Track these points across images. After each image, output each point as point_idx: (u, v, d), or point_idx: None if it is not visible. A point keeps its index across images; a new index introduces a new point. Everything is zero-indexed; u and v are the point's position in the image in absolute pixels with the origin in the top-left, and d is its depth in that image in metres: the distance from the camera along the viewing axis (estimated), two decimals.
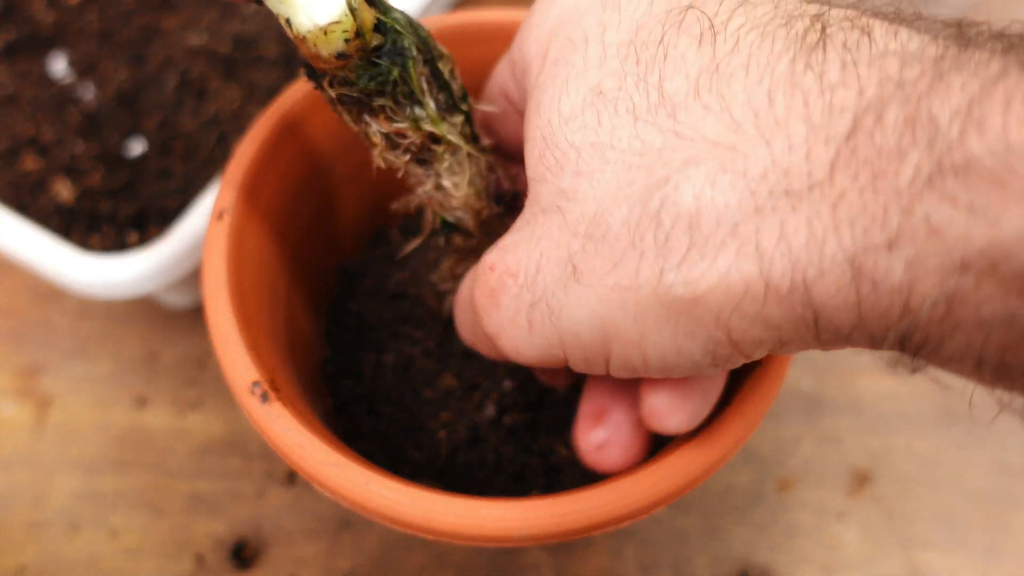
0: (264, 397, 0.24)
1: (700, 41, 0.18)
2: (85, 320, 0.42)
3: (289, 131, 0.30)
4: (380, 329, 0.34)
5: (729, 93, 0.17)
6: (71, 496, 0.37)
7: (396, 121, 0.23)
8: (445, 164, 0.25)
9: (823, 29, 0.17)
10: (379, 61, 0.22)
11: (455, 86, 0.24)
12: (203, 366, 0.40)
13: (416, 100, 0.23)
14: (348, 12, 0.21)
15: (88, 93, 0.42)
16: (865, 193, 0.15)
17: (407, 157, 0.24)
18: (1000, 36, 0.16)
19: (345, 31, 0.21)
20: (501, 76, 0.26)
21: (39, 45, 0.44)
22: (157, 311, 0.42)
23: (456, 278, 0.29)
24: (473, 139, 0.25)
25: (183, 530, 0.36)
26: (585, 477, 0.30)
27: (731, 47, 0.18)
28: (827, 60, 0.17)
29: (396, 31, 0.22)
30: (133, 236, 0.38)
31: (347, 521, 0.36)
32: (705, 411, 0.23)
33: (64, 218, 0.38)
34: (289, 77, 0.42)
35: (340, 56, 0.21)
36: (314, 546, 0.36)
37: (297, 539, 0.36)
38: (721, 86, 0.18)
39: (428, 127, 0.24)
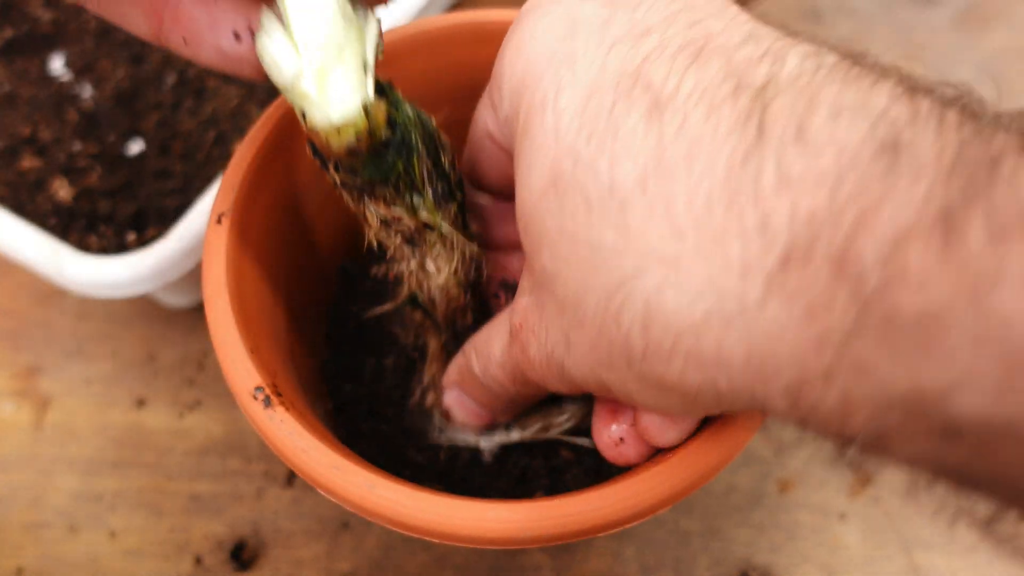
0: (267, 402, 0.24)
1: (648, 116, 0.18)
2: (84, 320, 0.42)
3: (287, 133, 0.29)
4: (381, 331, 0.34)
5: (673, 193, 0.17)
6: (70, 497, 0.37)
7: (394, 207, 0.24)
8: (435, 250, 0.25)
9: (764, 109, 0.17)
10: (386, 154, 0.23)
11: (453, 176, 0.25)
12: (202, 366, 0.40)
13: (416, 190, 0.24)
14: (363, 113, 0.21)
15: (86, 92, 0.42)
16: (799, 324, 0.16)
17: (399, 239, 0.25)
18: (942, 118, 0.15)
19: (358, 130, 0.21)
20: (483, 121, 0.25)
21: (37, 44, 0.44)
22: (156, 311, 0.42)
23: (415, 347, 0.31)
24: (464, 226, 0.26)
25: (182, 531, 0.36)
26: (588, 477, 0.30)
27: (678, 126, 0.17)
28: (764, 157, 0.16)
29: (405, 126, 0.23)
30: (131, 236, 0.37)
31: (346, 522, 0.36)
32: (695, 425, 0.24)
33: (62, 218, 0.38)
34: None
35: (350, 151, 0.22)
36: (313, 547, 0.36)
37: (296, 540, 0.36)
38: (665, 182, 0.17)
39: (424, 216, 0.24)
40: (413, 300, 0.27)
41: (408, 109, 0.23)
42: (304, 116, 0.22)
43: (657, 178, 0.17)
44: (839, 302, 0.15)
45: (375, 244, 0.26)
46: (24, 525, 0.37)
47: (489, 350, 0.25)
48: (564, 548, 0.36)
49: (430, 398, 0.30)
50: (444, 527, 0.22)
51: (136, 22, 0.24)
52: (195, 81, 0.42)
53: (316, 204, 0.33)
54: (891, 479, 0.37)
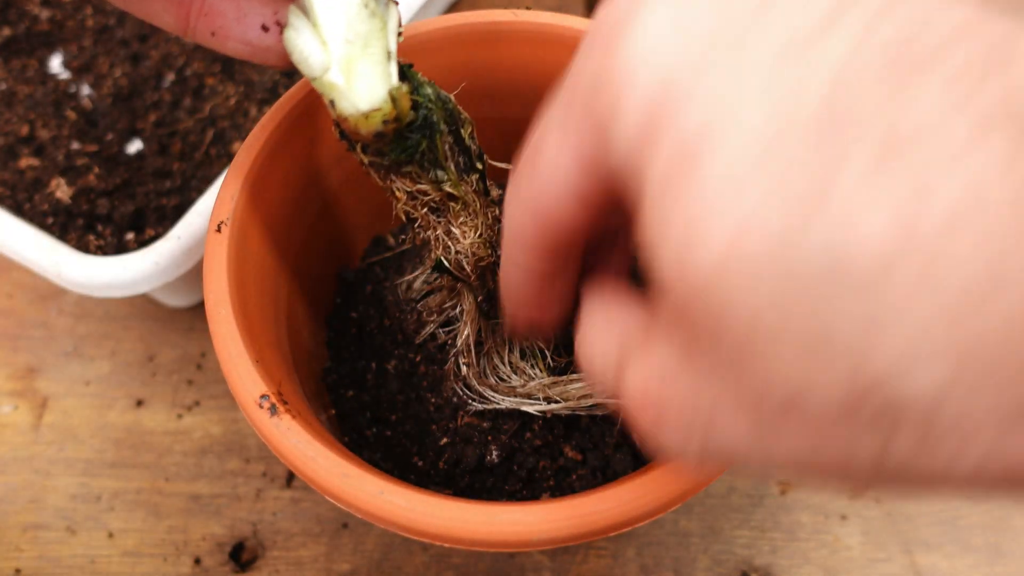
0: (273, 410, 0.24)
1: (878, 167, 0.13)
2: (82, 321, 0.42)
3: (285, 139, 0.29)
4: (381, 336, 0.33)
5: (941, 270, 0.13)
6: (68, 498, 0.37)
7: (420, 183, 0.25)
8: (459, 218, 0.26)
9: None
10: (410, 135, 0.24)
11: (473, 148, 0.26)
12: (201, 367, 0.40)
13: (439, 165, 0.25)
14: (389, 100, 0.23)
15: (84, 91, 0.42)
16: None
17: (425, 210, 0.26)
18: None
19: (385, 115, 0.23)
20: (562, 171, 0.18)
21: (35, 43, 0.43)
22: (155, 311, 0.42)
23: (441, 312, 0.31)
24: (485, 193, 0.27)
25: (181, 532, 0.36)
26: (595, 477, 0.30)
27: (924, 180, 0.13)
28: None
29: (427, 107, 0.24)
30: (130, 236, 0.37)
31: (346, 523, 0.36)
32: None
33: (61, 218, 0.37)
34: (287, 75, 0.42)
35: (377, 135, 0.23)
36: (313, 548, 0.36)
37: (295, 541, 0.36)
38: (928, 260, 0.13)
39: (448, 188, 0.26)
40: (439, 266, 0.28)
41: (429, 90, 0.24)
42: (333, 104, 0.23)
43: (915, 254, 0.13)
44: None
45: (403, 216, 0.27)
46: (22, 526, 0.36)
47: (605, 372, 0.20)
48: (564, 548, 0.35)
49: (464, 367, 0.30)
50: (454, 531, 0.22)
51: (162, 16, 0.24)
52: (193, 80, 0.42)
53: (314, 211, 0.33)
54: None
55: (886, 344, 0.13)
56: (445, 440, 0.31)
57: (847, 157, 0.13)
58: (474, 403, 0.30)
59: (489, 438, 0.30)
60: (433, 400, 0.31)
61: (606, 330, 0.20)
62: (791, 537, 0.36)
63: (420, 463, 0.31)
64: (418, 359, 0.32)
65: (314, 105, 0.30)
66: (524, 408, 0.30)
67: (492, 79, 0.32)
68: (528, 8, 0.32)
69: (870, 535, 0.36)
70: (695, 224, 0.15)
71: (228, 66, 0.42)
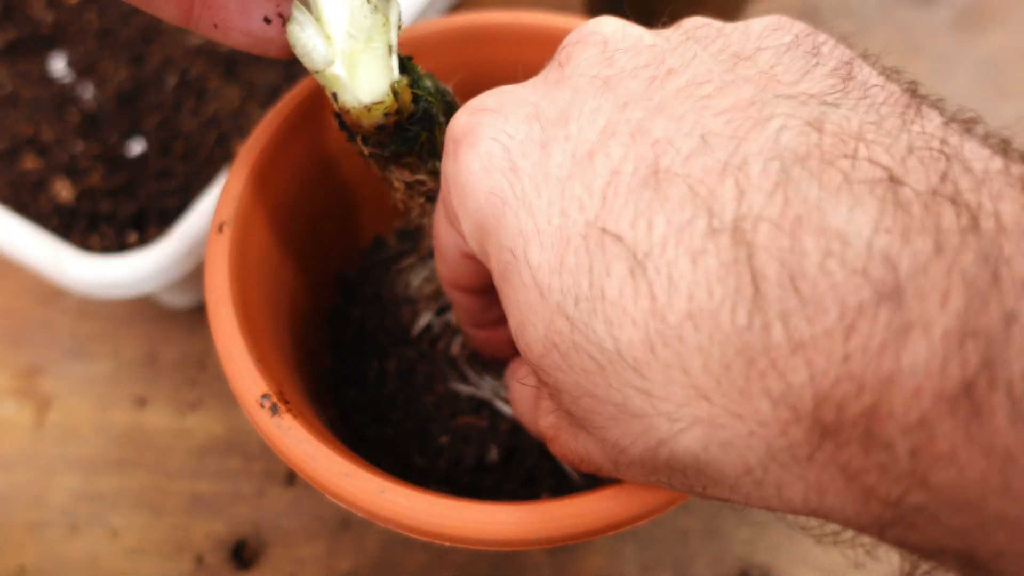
0: (274, 409, 0.24)
1: (633, 276, 0.16)
2: (85, 320, 0.42)
3: (286, 140, 0.29)
4: (382, 336, 0.34)
5: (686, 355, 0.16)
6: (71, 496, 0.37)
7: (418, 173, 0.26)
8: None
9: (749, 256, 0.15)
10: (410, 127, 0.24)
11: None
12: (203, 366, 0.40)
13: (438, 155, 0.26)
14: (391, 94, 0.23)
15: (87, 93, 0.42)
16: (844, 484, 0.15)
17: (422, 199, 0.27)
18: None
19: (387, 108, 0.23)
20: (451, 241, 0.23)
21: (39, 45, 0.44)
22: (157, 311, 0.42)
23: (437, 297, 0.33)
24: None
25: (183, 530, 0.36)
26: (595, 477, 0.30)
27: (666, 286, 0.16)
28: (768, 316, 0.15)
29: (427, 100, 0.25)
30: (133, 236, 0.37)
31: (347, 521, 0.36)
32: None
33: (64, 218, 0.38)
34: (288, 77, 0.42)
35: (379, 128, 0.24)
36: (314, 546, 0.36)
37: (297, 539, 0.36)
38: (676, 346, 0.16)
39: None
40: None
41: (428, 82, 0.25)
42: (335, 97, 0.23)
43: (666, 343, 0.16)
44: (873, 472, 0.14)
45: (400, 206, 0.27)
46: (25, 524, 0.37)
47: (526, 419, 0.26)
48: (564, 547, 0.36)
49: (456, 346, 0.32)
50: (454, 530, 0.22)
51: (165, 8, 0.25)
52: (196, 82, 0.42)
53: (315, 211, 0.33)
54: None
55: (661, 415, 0.17)
56: (445, 439, 0.31)
57: (611, 266, 0.17)
58: (458, 384, 0.31)
59: (488, 437, 0.31)
60: (432, 399, 0.32)
61: (521, 390, 0.26)
62: (790, 535, 0.36)
63: (420, 462, 0.31)
64: (416, 357, 0.33)
65: (315, 106, 0.30)
66: (496, 405, 0.31)
67: (489, 79, 0.32)
68: (528, 8, 0.32)
69: None
70: (522, 324, 0.19)
71: (231, 68, 0.43)
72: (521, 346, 0.20)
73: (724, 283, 0.15)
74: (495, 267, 0.20)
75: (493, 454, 0.30)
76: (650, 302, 0.16)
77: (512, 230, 0.19)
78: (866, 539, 0.17)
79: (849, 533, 0.17)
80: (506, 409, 0.31)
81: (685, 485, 0.18)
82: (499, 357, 0.30)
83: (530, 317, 0.18)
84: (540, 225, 0.18)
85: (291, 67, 0.43)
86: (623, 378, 0.17)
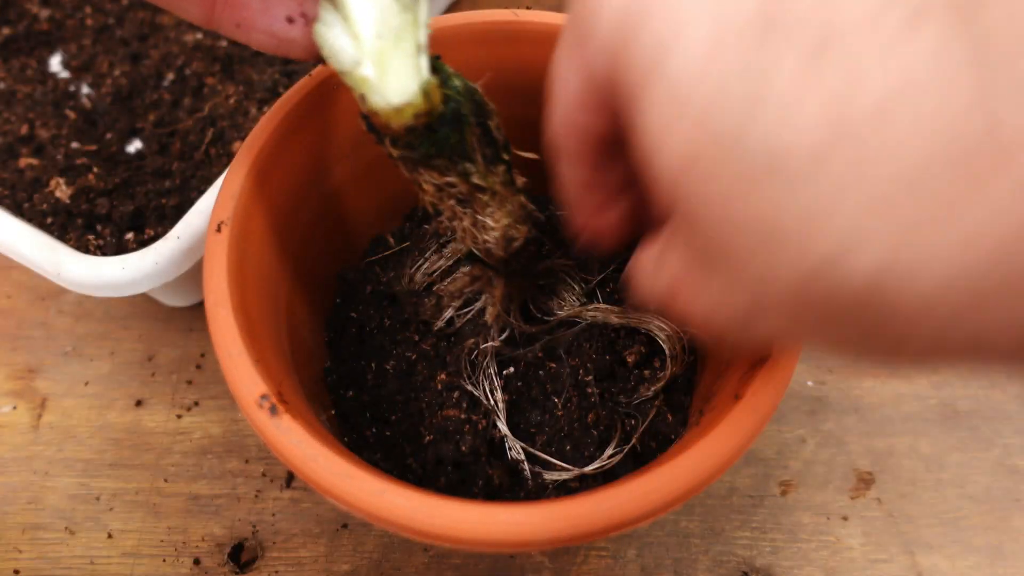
0: (273, 410, 0.23)
1: (811, 59, 0.14)
2: (82, 321, 0.41)
3: (286, 139, 0.29)
4: (381, 336, 0.33)
5: (868, 160, 0.14)
6: (67, 498, 0.37)
7: (448, 175, 0.25)
8: (487, 209, 0.27)
9: (980, 31, 0.13)
10: (440, 128, 0.24)
11: (500, 139, 0.26)
12: (200, 367, 0.40)
13: (468, 157, 0.25)
14: (421, 94, 0.23)
15: (84, 91, 0.42)
16: None
17: (452, 201, 0.26)
18: None
19: (416, 110, 0.23)
20: (570, 89, 0.21)
21: (35, 42, 0.43)
22: (154, 311, 0.41)
23: (461, 296, 0.32)
24: (511, 183, 0.27)
25: (180, 532, 0.36)
26: (595, 477, 0.30)
27: (854, 70, 0.13)
28: (996, 100, 0.12)
29: (456, 100, 0.24)
30: (130, 235, 0.37)
31: (345, 523, 0.36)
32: None
33: (61, 217, 0.37)
34: (286, 75, 0.42)
35: (408, 130, 0.23)
36: (312, 548, 0.36)
37: (295, 541, 0.36)
38: (855, 148, 0.14)
39: (476, 180, 0.25)
40: (470, 255, 0.29)
41: (457, 82, 0.24)
42: (363, 98, 0.23)
43: (843, 144, 0.13)
44: None
45: (430, 208, 0.27)
46: (21, 526, 0.36)
47: (645, 286, 0.23)
48: (564, 549, 0.35)
49: (489, 342, 0.32)
50: (454, 531, 0.22)
51: (187, 8, 0.24)
52: (193, 80, 0.42)
53: (315, 211, 0.33)
54: (893, 480, 0.37)
55: (823, 233, 0.14)
56: (428, 438, 0.31)
57: (781, 57, 0.14)
58: (468, 384, 0.31)
59: (466, 428, 0.30)
60: (426, 400, 0.31)
61: (645, 253, 0.23)
62: (792, 538, 0.36)
63: (420, 462, 0.31)
64: (416, 357, 0.32)
65: (314, 105, 0.30)
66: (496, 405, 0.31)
67: (522, 78, 0.32)
68: (528, 8, 0.32)
69: (871, 536, 0.36)
70: (661, 136, 0.16)
71: (228, 66, 0.42)
72: (657, 168, 0.17)
73: (937, 66, 0.13)
74: (632, 80, 0.17)
75: (467, 444, 0.30)
76: (830, 94, 0.14)
77: (664, 19, 0.16)
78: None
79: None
80: (503, 428, 0.31)
81: (838, 329, 0.16)
82: (609, 246, 0.28)
83: (673, 125, 0.16)
84: (688, 26, 0.15)
85: (289, 65, 0.42)
86: (783, 189, 0.14)
